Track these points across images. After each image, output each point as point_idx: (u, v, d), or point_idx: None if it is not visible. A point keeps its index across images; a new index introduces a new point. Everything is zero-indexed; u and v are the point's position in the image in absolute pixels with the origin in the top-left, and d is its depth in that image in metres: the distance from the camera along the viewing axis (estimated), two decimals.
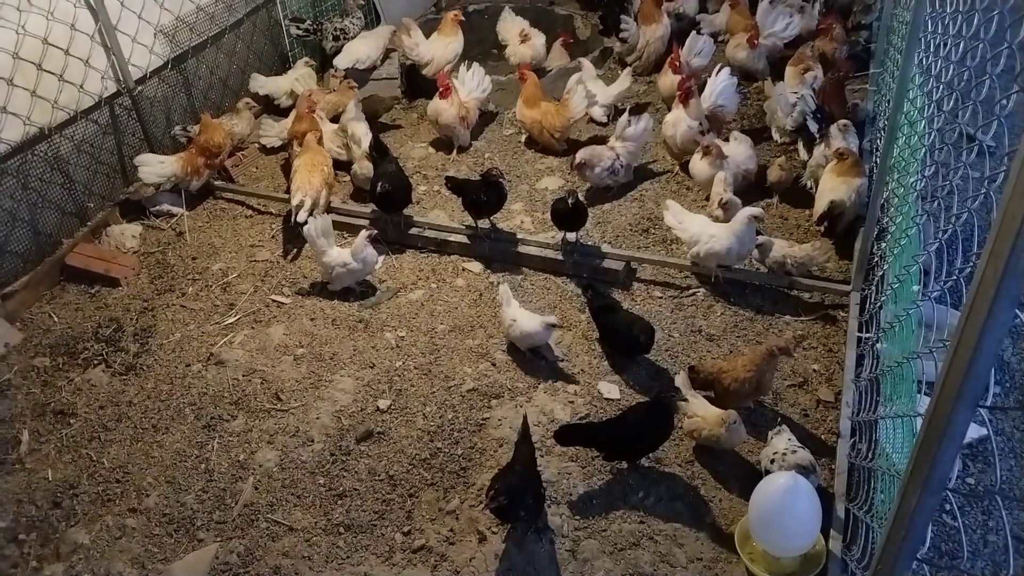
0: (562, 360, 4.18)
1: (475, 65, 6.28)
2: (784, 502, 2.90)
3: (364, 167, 5.38)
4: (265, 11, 6.68)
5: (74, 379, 4.28)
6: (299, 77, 6.47)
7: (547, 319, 4.05)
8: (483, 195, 4.79)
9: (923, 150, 3.24)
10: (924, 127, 3.33)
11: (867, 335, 3.79)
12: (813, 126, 5.27)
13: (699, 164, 5.16)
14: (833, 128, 5.06)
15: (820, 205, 4.72)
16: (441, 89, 5.90)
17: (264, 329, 4.51)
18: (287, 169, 5.63)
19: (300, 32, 6.82)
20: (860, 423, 3.42)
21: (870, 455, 3.01)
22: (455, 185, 5.07)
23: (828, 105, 5.35)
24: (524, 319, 4.11)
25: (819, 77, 5.81)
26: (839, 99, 5.53)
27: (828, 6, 6.85)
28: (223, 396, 4.11)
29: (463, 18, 6.75)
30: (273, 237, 5.26)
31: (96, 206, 5.35)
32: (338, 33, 6.85)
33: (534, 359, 4.18)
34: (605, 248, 4.80)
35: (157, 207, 5.46)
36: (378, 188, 4.91)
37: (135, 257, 5.11)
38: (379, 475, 3.66)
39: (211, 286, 4.85)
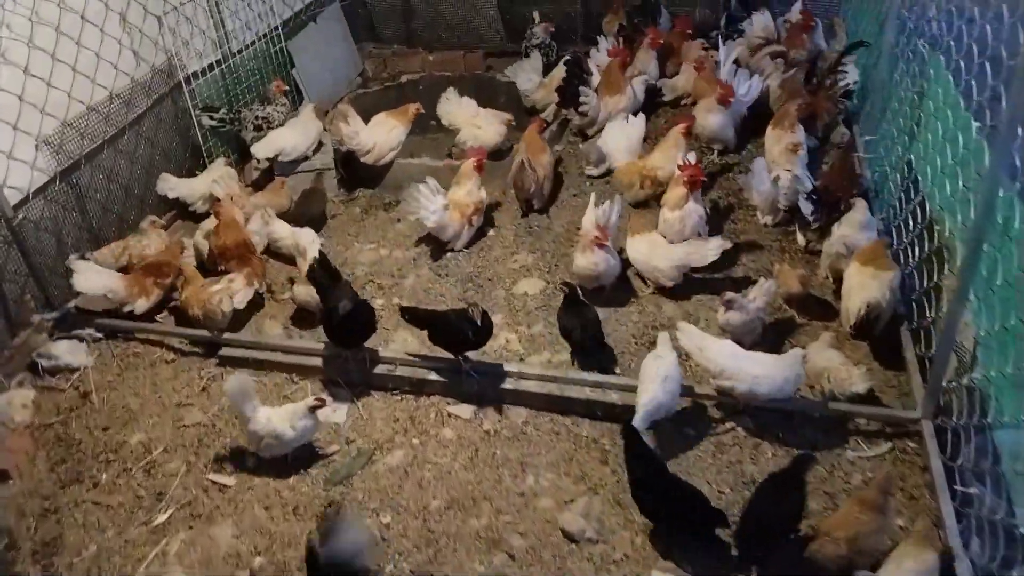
0: (596, 540, 3.37)
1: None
2: None
3: (304, 292, 4.48)
4: (171, 100, 5.71)
5: None
6: (218, 178, 5.51)
7: None
8: (469, 332, 3.93)
9: None
10: None
11: (969, 490, 3.11)
12: (807, 208, 4.71)
13: None
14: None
15: (852, 306, 4.05)
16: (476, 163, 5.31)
17: (206, 529, 3.51)
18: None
19: (214, 122, 5.87)
20: None
21: None
22: (416, 318, 4.21)
23: (834, 185, 4.74)
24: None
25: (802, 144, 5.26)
26: (848, 174, 4.86)
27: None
28: None
29: (422, 111, 5.99)
30: (204, 389, 4.27)
31: None
32: (260, 122, 5.94)
33: (562, 538, 3.36)
34: (617, 374, 4.06)
35: (52, 361, 4.39)
36: (333, 320, 4.04)
37: (27, 435, 4.03)
38: None
39: (131, 468, 3.83)
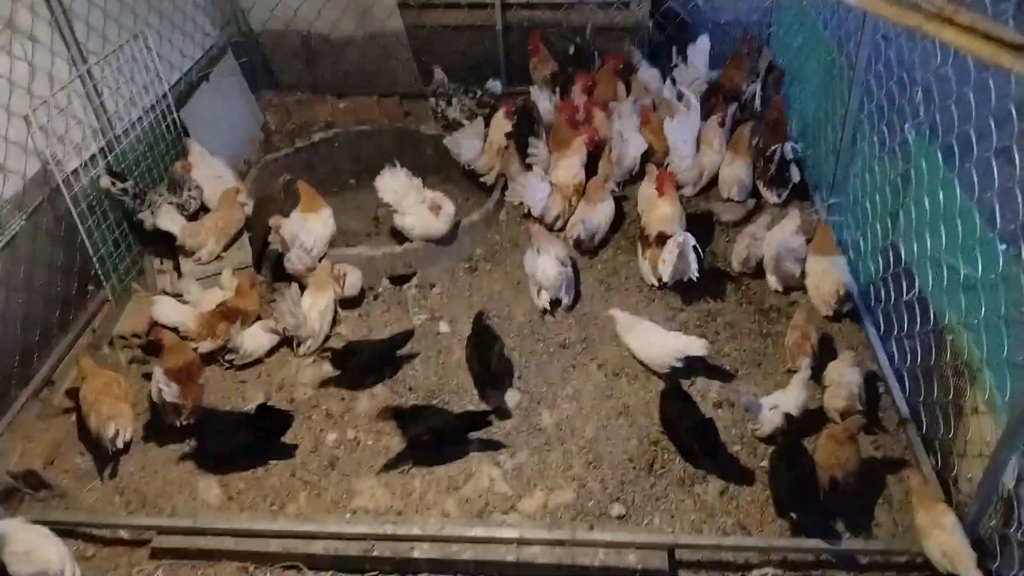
0: None
1: None
2: None
3: None
4: (49, 206, 4.77)
5: None
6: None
7: None
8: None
9: None
10: None
11: None
12: (795, 171, 5.46)
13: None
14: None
15: (828, 290, 4.59)
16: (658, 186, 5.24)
17: None
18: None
19: (115, 191, 5.00)
20: None
21: None
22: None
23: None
24: None
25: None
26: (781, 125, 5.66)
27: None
28: None
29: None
30: None
31: None
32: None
33: None
34: (625, 518, 3.66)
35: None
36: None
37: None
38: None
39: None
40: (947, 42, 2.67)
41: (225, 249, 5.23)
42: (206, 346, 4.59)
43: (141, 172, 5.45)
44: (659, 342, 4.38)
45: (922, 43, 3.71)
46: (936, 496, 3.41)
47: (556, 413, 4.31)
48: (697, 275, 4.72)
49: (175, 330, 4.54)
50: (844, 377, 3.98)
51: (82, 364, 4.29)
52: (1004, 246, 3.08)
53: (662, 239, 4.92)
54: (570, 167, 5.54)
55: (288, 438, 4.22)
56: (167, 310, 4.64)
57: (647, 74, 6.53)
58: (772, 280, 4.95)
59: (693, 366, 4.41)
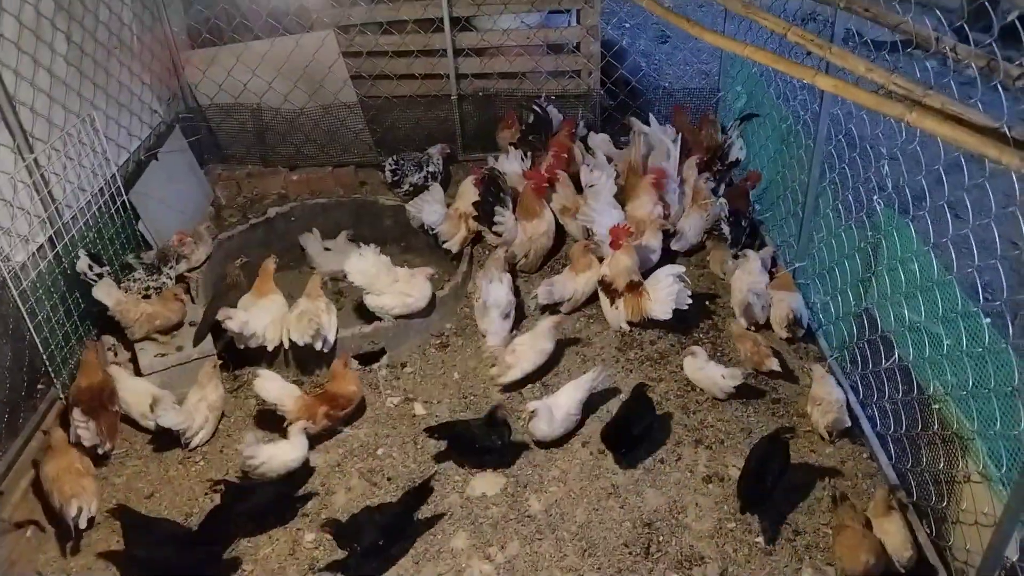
0: None
1: None
2: None
3: None
4: None
5: None
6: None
7: None
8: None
9: None
10: None
11: None
12: (726, 229, 5.56)
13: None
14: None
15: (780, 314, 4.99)
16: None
17: None
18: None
19: (91, 275, 4.86)
20: None
21: None
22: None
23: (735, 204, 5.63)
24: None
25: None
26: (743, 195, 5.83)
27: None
28: None
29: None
30: None
31: None
32: (151, 293, 5.16)
33: None
34: None
35: None
36: None
37: None
38: None
39: None
40: (930, 132, 2.76)
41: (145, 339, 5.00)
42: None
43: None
44: (568, 402, 4.43)
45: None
46: (888, 507, 3.66)
47: (544, 498, 4.20)
48: (690, 301, 4.97)
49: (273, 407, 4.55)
50: (831, 395, 4.31)
51: (53, 436, 4.21)
52: (988, 319, 3.15)
53: (632, 285, 5.08)
54: (643, 204, 5.66)
55: (263, 539, 4.01)
56: (270, 387, 4.53)
57: (597, 139, 6.63)
58: (742, 322, 5.15)
59: (682, 440, 4.40)
